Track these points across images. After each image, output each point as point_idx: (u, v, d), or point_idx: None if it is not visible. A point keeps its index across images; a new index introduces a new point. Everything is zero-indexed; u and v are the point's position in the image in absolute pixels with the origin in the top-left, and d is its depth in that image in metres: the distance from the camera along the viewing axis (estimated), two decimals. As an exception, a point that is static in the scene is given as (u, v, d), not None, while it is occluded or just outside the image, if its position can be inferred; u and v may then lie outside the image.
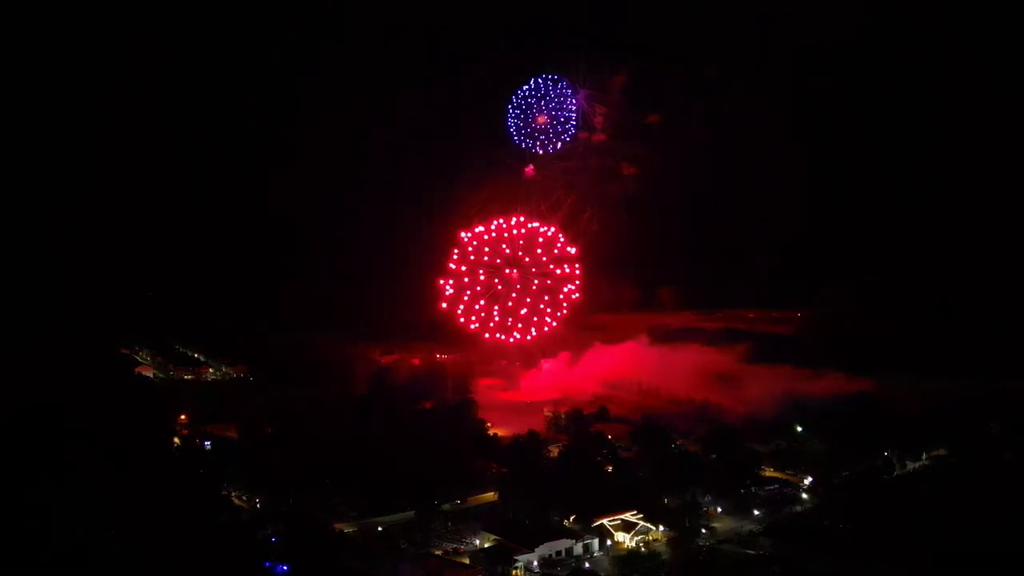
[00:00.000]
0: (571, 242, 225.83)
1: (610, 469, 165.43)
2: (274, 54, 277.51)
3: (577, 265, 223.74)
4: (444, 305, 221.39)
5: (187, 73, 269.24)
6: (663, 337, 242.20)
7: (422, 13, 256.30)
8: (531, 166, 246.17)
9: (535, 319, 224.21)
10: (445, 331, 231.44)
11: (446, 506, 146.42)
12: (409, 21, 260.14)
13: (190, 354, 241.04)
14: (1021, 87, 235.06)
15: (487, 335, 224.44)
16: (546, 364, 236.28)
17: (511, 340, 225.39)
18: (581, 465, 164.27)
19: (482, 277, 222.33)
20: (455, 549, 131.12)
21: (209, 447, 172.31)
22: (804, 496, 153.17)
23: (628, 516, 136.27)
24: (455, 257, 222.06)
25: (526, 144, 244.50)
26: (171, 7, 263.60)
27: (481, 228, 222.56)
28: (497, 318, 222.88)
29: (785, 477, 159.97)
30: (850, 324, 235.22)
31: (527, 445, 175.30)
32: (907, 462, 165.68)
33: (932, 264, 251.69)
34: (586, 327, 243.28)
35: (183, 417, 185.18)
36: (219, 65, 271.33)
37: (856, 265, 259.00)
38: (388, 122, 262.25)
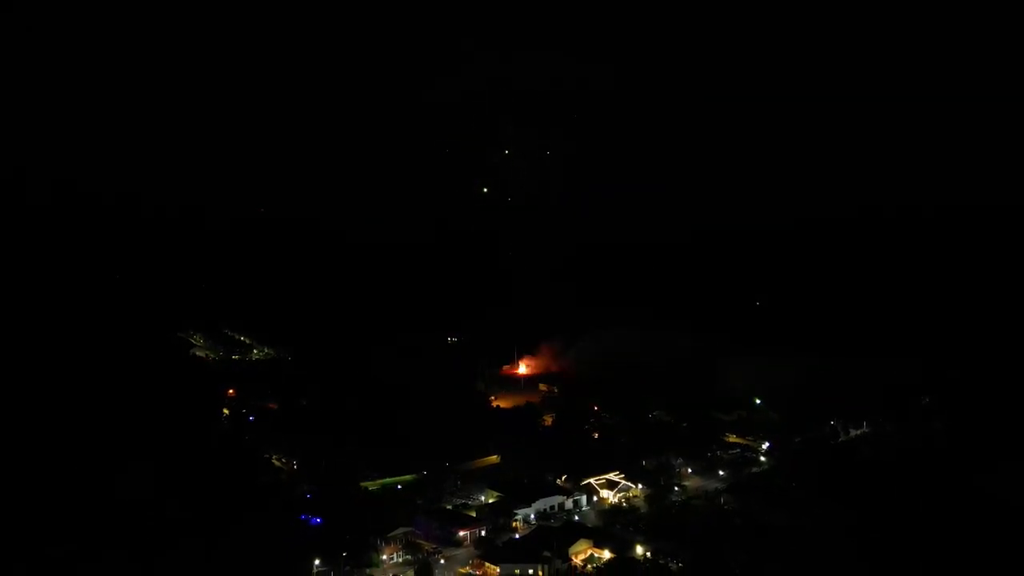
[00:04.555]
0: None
1: (596, 436, 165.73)
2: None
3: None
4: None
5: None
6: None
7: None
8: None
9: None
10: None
11: (456, 468, 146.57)
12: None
13: (238, 338, 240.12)
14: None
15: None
16: (543, 345, 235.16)
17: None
18: (571, 432, 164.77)
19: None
20: (463, 504, 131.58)
21: (253, 418, 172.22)
22: (762, 459, 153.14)
23: (612, 476, 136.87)
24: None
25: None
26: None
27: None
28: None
29: (746, 442, 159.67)
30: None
31: (525, 415, 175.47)
32: (851, 430, 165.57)
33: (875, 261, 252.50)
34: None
35: (231, 392, 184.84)
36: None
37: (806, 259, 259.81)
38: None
